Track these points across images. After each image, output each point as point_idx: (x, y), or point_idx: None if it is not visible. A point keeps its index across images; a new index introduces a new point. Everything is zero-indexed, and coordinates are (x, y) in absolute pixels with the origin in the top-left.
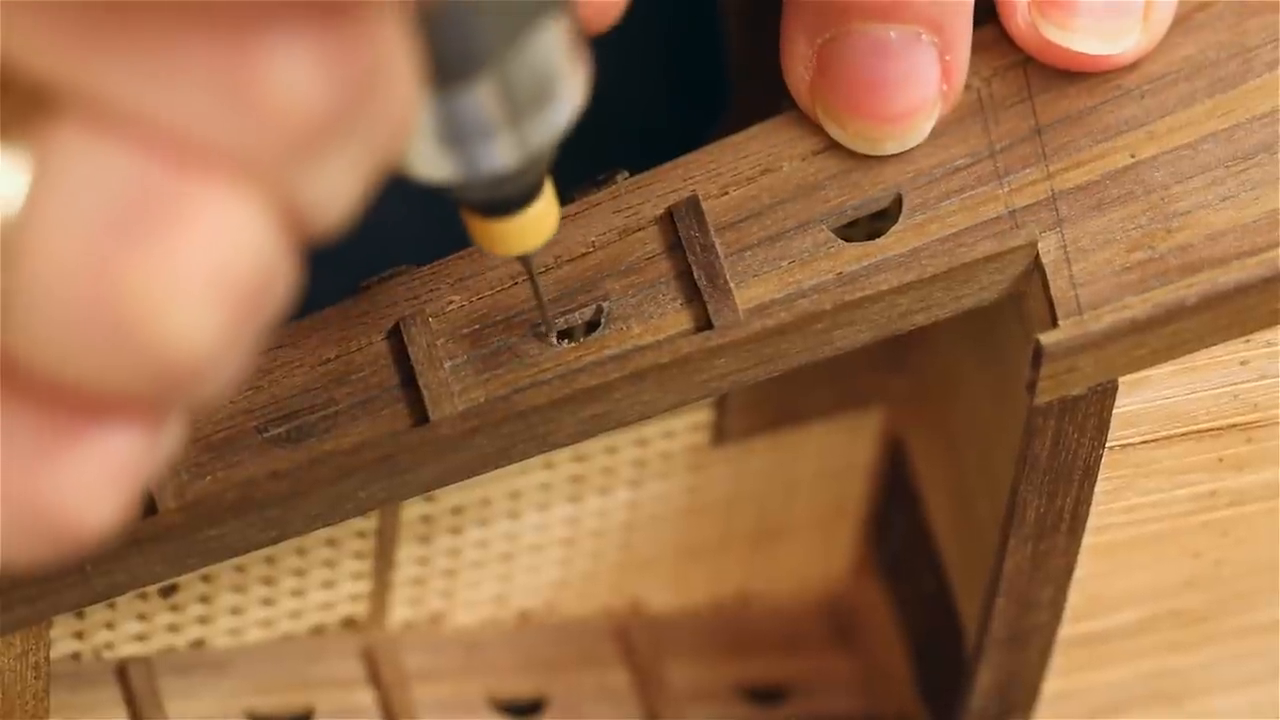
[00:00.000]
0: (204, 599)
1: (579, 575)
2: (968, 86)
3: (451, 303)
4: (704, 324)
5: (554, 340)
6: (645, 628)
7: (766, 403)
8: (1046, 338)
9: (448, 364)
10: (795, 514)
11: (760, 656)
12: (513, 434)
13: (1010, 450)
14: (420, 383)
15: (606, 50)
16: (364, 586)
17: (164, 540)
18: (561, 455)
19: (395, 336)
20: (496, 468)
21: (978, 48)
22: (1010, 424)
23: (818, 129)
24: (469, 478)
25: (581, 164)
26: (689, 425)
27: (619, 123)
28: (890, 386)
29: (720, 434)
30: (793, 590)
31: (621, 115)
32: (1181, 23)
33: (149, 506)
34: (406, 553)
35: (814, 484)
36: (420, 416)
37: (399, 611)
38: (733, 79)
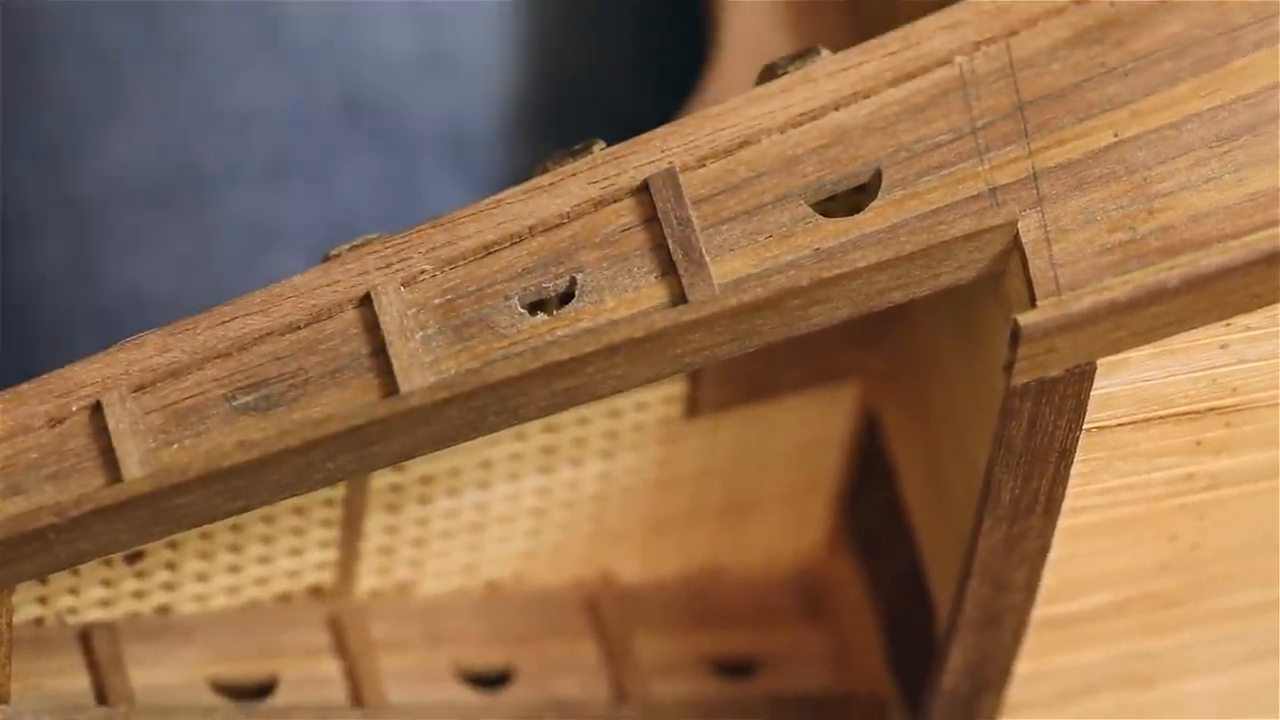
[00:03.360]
0: (169, 565)
1: (549, 546)
2: (949, 62)
3: (424, 272)
4: (679, 298)
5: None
6: (615, 600)
7: (740, 376)
8: (1025, 318)
9: (419, 335)
10: (768, 488)
11: (730, 630)
12: (484, 406)
13: (986, 430)
14: (390, 353)
15: (582, 30)
16: (331, 555)
17: (129, 509)
18: (533, 426)
19: (366, 305)
20: (467, 440)
21: (960, 23)
22: (986, 403)
23: (797, 101)
24: (439, 449)
25: (555, 142)
26: (662, 398)
27: (593, 103)
28: (866, 362)
29: (693, 406)
30: (764, 564)
31: (595, 96)
32: (1168, 0)
33: (113, 475)
34: (375, 522)
35: (787, 458)
36: (390, 387)
37: (366, 580)
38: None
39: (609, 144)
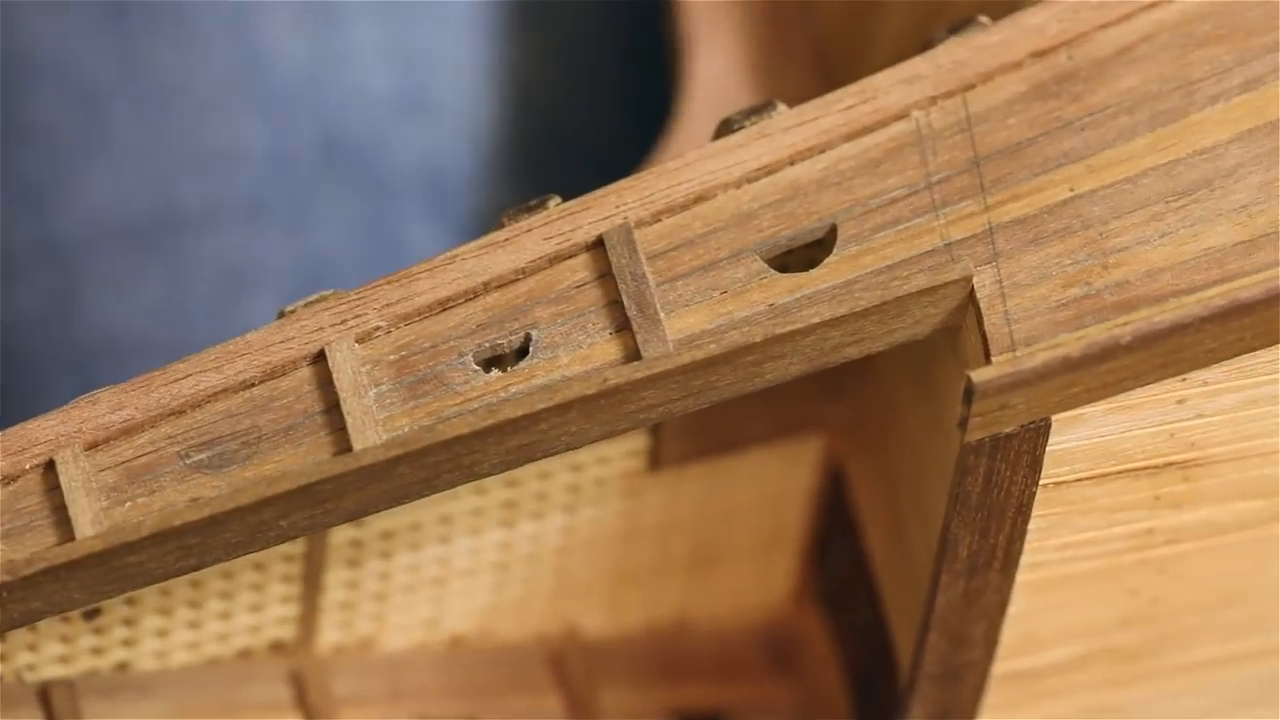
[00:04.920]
0: (128, 621)
1: (512, 600)
2: (906, 116)
3: (378, 329)
4: (633, 354)
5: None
6: (579, 653)
7: (703, 430)
8: (978, 375)
9: (372, 391)
10: (733, 540)
11: (697, 683)
12: (437, 463)
13: (945, 483)
14: (344, 410)
15: (560, 72)
16: (292, 610)
17: (81, 567)
18: (494, 481)
19: (320, 362)
20: (421, 497)
21: (916, 78)
22: (945, 457)
23: (752, 156)
24: (393, 507)
25: (533, 185)
26: (624, 451)
27: (572, 144)
28: (830, 414)
29: (656, 460)
30: (731, 616)
31: (574, 137)
32: (1124, 54)
33: (65, 533)
34: (335, 577)
35: (752, 510)
36: (343, 445)
37: (328, 635)
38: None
39: (587, 185)
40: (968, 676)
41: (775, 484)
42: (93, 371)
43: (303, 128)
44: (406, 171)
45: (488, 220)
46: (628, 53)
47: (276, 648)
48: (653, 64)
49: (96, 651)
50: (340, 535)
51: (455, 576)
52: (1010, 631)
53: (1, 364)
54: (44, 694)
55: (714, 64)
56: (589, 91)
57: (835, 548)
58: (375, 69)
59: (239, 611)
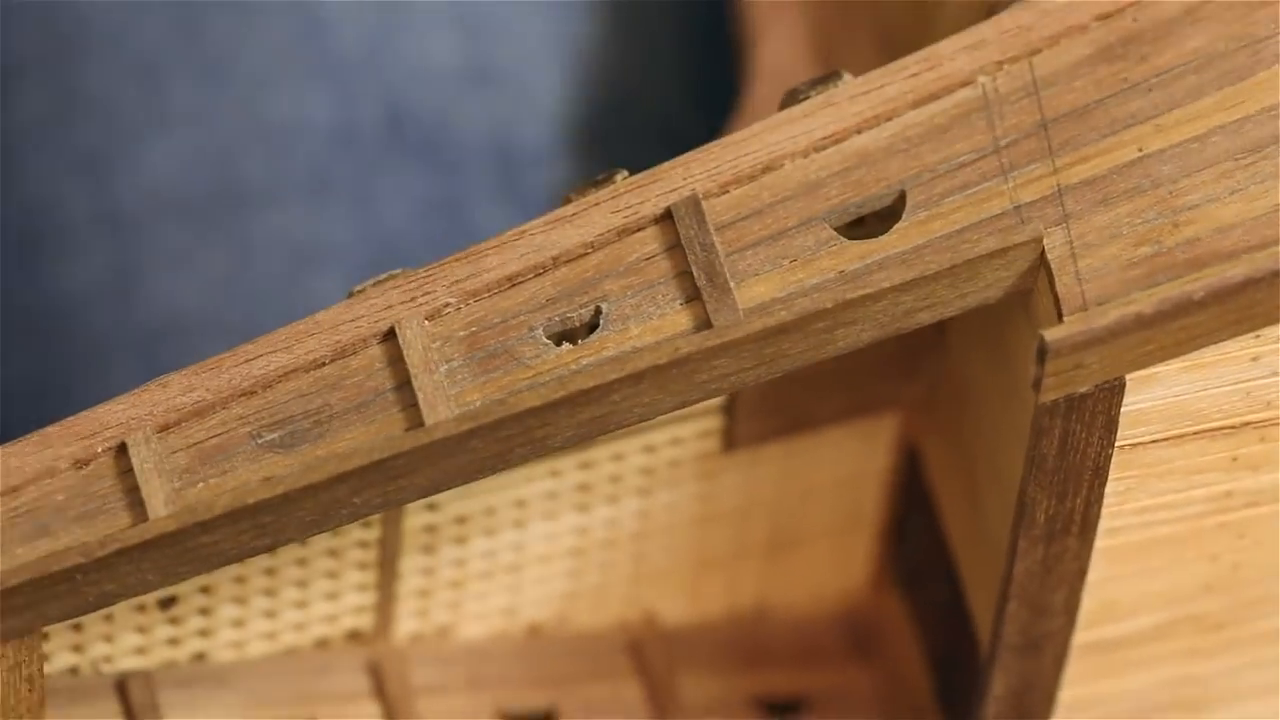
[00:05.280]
0: (204, 611)
1: (590, 587)
2: (972, 82)
3: (448, 305)
4: (703, 324)
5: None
6: (658, 640)
7: (778, 409)
8: (1051, 334)
9: (443, 367)
10: (810, 523)
11: (777, 669)
12: (509, 437)
13: (1020, 451)
14: (415, 386)
15: (630, 45)
16: (369, 598)
17: (155, 548)
18: (567, 463)
19: (390, 340)
20: (494, 472)
21: (981, 43)
22: (1021, 424)
23: (819, 125)
24: (466, 483)
25: (601, 160)
26: (698, 432)
27: (641, 119)
28: (904, 392)
29: (730, 440)
30: (809, 601)
31: (643, 111)
32: (1189, 14)
33: (139, 514)
34: (410, 563)
35: (829, 492)
36: (415, 420)
37: (405, 624)
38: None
39: (657, 160)
40: (1048, 647)
41: (851, 464)
42: (156, 349)
43: (366, 100)
44: (474, 146)
45: (556, 196)
46: (698, 29)
47: (354, 636)
48: (722, 44)
49: (173, 642)
50: (415, 521)
51: (531, 563)
52: (1090, 599)
53: (63, 340)
54: (121, 685)
55: (780, 48)
56: (659, 67)
57: (912, 528)
58: (441, 39)
59: (315, 600)
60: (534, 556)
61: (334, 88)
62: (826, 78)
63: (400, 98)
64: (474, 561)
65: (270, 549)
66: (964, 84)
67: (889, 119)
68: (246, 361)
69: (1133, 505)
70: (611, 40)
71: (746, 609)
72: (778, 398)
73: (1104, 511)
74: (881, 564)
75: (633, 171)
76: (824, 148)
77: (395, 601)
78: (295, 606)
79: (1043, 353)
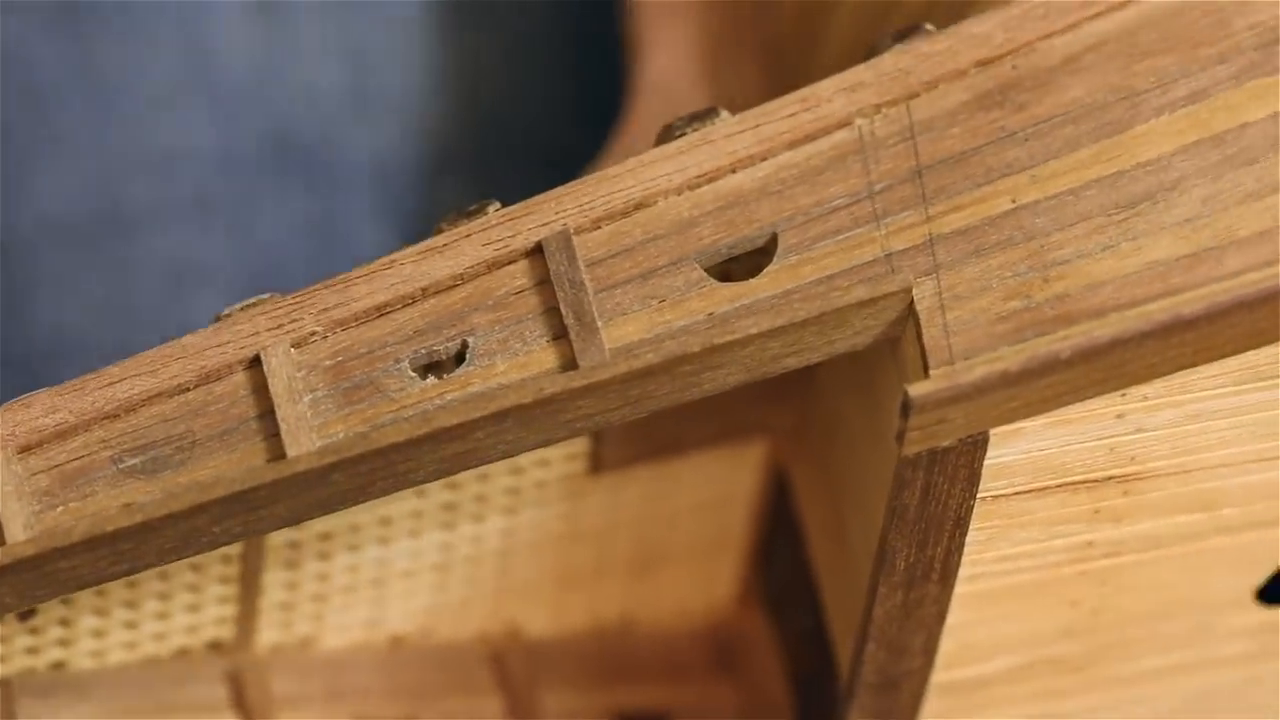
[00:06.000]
0: (64, 621)
1: (453, 601)
2: (849, 124)
3: (314, 334)
4: (569, 363)
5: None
6: (521, 654)
7: (645, 434)
8: (915, 389)
9: (307, 397)
10: (676, 542)
11: (640, 683)
12: (371, 471)
13: (885, 492)
14: (278, 416)
15: (510, 67)
16: (230, 610)
17: (12, 572)
18: (433, 484)
19: (255, 367)
20: (355, 504)
21: (860, 85)
22: (887, 467)
23: (694, 163)
24: (326, 514)
25: (483, 183)
26: (565, 454)
27: (522, 140)
28: (773, 418)
29: (597, 463)
30: (675, 618)
31: (524, 133)
32: (1069, 63)
33: None
34: (273, 577)
35: (696, 514)
36: (277, 451)
37: (266, 634)
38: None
39: (541, 181)
40: (906, 686)
41: (718, 488)
42: (39, 370)
43: (251, 126)
44: (355, 170)
45: (437, 219)
46: (579, 51)
47: (214, 647)
48: (604, 62)
49: (32, 651)
50: (278, 537)
51: (395, 577)
52: (949, 642)
53: None
54: None
55: (665, 63)
56: (540, 90)
57: (779, 552)
58: (325, 66)
59: (176, 611)
60: (398, 571)
61: (220, 113)
62: (704, 114)
63: (285, 123)
64: (338, 576)
65: (128, 574)
66: (841, 125)
67: (764, 159)
68: (111, 384)
69: (994, 554)
70: (493, 66)
71: (611, 625)
72: (645, 423)
73: (965, 559)
74: (747, 585)
75: (511, 197)
76: (698, 186)
77: (257, 613)
78: (156, 617)
79: (906, 408)
